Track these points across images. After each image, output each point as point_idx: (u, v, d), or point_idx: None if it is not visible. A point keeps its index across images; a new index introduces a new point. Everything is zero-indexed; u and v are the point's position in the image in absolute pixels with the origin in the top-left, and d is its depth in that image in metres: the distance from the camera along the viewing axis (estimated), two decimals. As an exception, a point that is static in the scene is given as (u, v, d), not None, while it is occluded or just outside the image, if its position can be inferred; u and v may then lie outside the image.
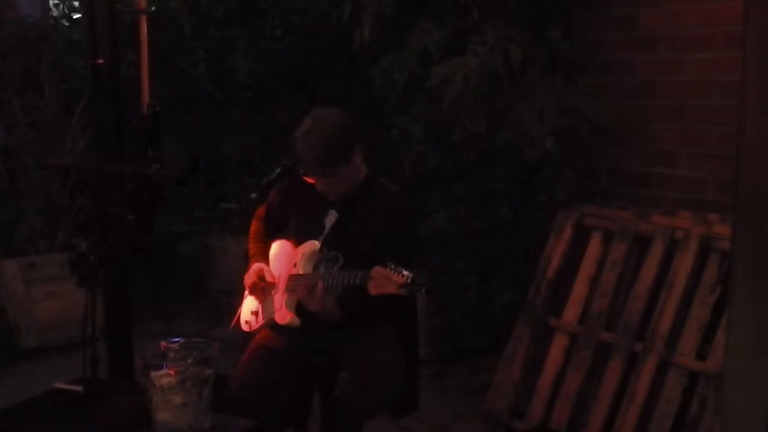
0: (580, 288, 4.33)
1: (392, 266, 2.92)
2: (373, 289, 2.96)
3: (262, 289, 3.43)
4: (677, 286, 3.92)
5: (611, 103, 4.52)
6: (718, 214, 3.96)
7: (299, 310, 3.31)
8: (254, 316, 3.45)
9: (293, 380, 3.39)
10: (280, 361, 3.31)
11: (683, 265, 3.93)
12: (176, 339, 2.87)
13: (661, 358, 3.87)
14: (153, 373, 2.78)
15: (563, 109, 4.41)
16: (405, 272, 2.89)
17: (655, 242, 4.09)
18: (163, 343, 2.86)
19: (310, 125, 3.23)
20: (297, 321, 3.30)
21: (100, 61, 3.93)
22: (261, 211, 3.64)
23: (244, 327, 3.49)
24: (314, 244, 3.32)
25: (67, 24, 6.19)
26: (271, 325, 3.38)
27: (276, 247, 3.52)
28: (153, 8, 4.05)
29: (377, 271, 2.96)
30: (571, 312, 4.32)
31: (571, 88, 4.55)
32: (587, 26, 4.78)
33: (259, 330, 3.43)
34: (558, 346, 4.33)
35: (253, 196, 3.42)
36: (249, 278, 3.44)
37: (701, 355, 3.78)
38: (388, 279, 2.91)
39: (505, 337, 4.55)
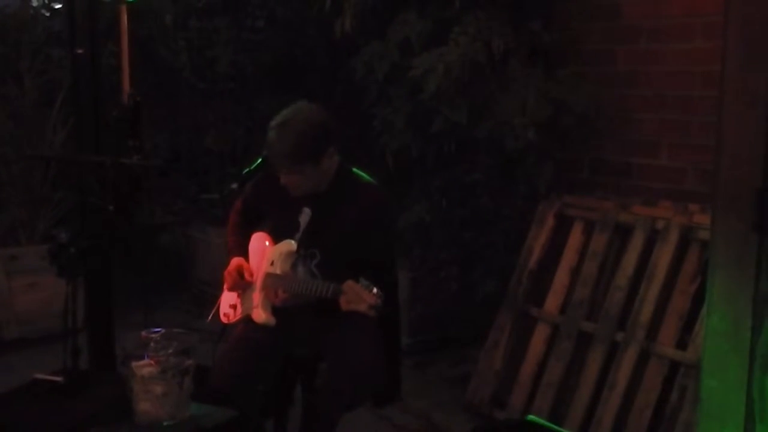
0: (561, 278, 4.34)
1: (365, 283, 2.92)
2: (344, 304, 2.96)
3: (241, 287, 3.43)
4: (658, 276, 3.94)
5: (592, 93, 4.53)
6: (698, 203, 3.97)
7: (275, 307, 3.31)
8: (233, 309, 3.45)
9: (275, 371, 3.40)
10: (261, 352, 3.31)
11: (664, 254, 3.95)
12: (157, 329, 2.87)
13: (641, 348, 3.89)
14: (134, 364, 2.78)
15: (544, 99, 4.42)
16: (375, 291, 2.89)
17: (636, 232, 4.10)
18: (143, 334, 2.86)
19: (287, 117, 3.18)
20: (272, 320, 3.30)
21: (80, 51, 3.90)
22: (238, 204, 3.61)
23: (223, 319, 3.49)
24: (290, 245, 3.29)
25: (47, 14, 6.14)
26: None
27: (255, 241, 3.50)
28: (134, -1, 4.02)
29: (349, 286, 2.94)
30: (552, 302, 4.34)
31: (553, 78, 4.56)
32: (568, 17, 4.78)
33: (236, 323, 3.43)
34: (539, 335, 4.34)
35: (234, 186, 3.41)
36: (229, 276, 3.42)
37: (681, 345, 3.79)
38: (359, 297, 2.91)
39: (486, 328, 4.56)
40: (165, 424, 2.75)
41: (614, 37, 4.59)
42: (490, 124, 4.49)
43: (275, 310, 3.31)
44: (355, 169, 3.40)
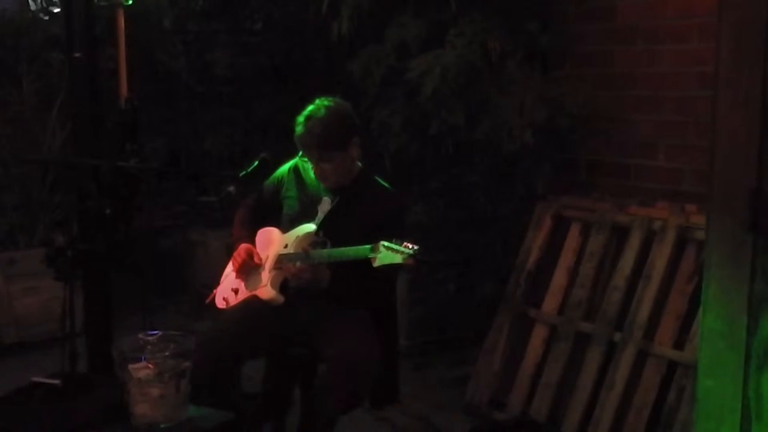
0: (559, 279, 4.35)
1: (396, 240, 2.98)
2: (375, 263, 2.99)
3: (247, 270, 3.46)
4: (655, 276, 3.94)
5: (589, 94, 4.54)
6: (695, 204, 3.98)
7: (282, 291, 3.34)
8: (233, 293, 3.48)
9: (267, 342, 3.41)
10: (257, 322, 3.36)
11: (661, 255, 3.95)
12: (154, 332, 2.87)
13: (639, 348, 3.89)
14: (131, 366, 2.77)
15: (541, 101, 4.43)
16: (411, 245, 2.95)
17: (633, 233, 4.11)
18: (140, 336, 2.86)
19: (312, 111, 3.34)
20: (281, 298, 3.35)
21: (77, 55, 3.91)
22: (250, 200, 3.68)
23: (220, 303, 3.52)
24: (310, 226, 3.38)
25: (45, 18, 6.14)
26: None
27: (262, 234, 3.56)
28: (130, 2, 4.02)
29: (380, 244, 3.00)
30: (550, 303, 4.34)
31: (550, 80, 4.57)
32: (565, 18, 4.79)
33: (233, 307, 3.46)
34: (538, 336, 4.35)
35: (231, 189, 3.42)
36: (238, 256, 3.47)
37: (679, 345, 3.80)
38: (395, 250, 2.95)
39: (485, 329, 4.56)
40: (162, 426, 2.75)
41: (611, 38, 4.60)
42: (488, 125, 4.49)
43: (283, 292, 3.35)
44: (376, 177, 3.53)
